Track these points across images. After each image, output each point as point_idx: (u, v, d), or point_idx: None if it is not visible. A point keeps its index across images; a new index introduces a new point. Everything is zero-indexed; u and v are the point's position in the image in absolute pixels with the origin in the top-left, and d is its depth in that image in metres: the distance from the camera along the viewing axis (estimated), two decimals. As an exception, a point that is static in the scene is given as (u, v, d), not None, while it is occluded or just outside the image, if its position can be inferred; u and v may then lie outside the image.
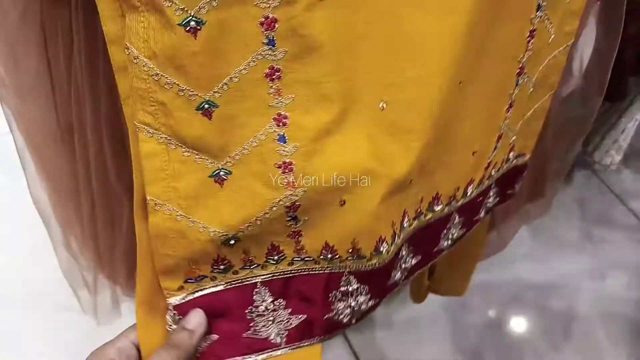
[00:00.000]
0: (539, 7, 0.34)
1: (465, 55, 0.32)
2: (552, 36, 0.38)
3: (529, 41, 0.36)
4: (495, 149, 0.41)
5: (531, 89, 0.40)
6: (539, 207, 0.62)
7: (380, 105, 0.31)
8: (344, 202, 0.33)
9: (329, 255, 0.35)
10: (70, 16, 0.32)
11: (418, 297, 0.67)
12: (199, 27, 0.25)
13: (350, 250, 0.35)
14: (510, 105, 0.39)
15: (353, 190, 0.33)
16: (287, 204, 0.31)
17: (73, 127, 0.38)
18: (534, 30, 0.35)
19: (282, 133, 0.30)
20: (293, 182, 0.31)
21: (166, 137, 0.28)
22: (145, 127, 0.28)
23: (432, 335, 0.79)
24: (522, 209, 0.60)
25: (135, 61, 0.25)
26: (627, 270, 0.89)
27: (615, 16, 0.45)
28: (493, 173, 0.44)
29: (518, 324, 0.82)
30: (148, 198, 0.29)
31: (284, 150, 0.30)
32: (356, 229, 0.34)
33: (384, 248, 0.35)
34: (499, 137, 0.41)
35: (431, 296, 0.81)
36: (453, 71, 0.32)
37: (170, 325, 0.33)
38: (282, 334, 0.37)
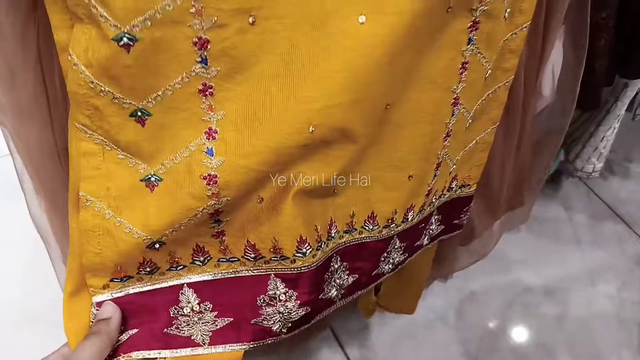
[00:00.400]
0: (469, 41, 0.35)
1: (391, 80, 0.33)
2: (489, 71, 0.39)
3: (462, 73, 0.37)
4: (435, 176, 0.42)
5: (470, 121, 0.41)
6: (519, 215, 0.63)
7: (310, 128, 0.32)
8: (262, 200, 0.34)
9: (252, 255, 0.35)
10: None
11: (366, 312, 0.68)
12: (131, 43, 0.26)
13: (272, 250, 0.35)
14: (448, 135, 0.40)
15: (268, 187, 0.33)
16: (211, 211, 0.32)
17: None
18: (466, 62, 0.36)
19: (210, 146, 0.31)
20: (217, 193, 0.32)
21: (102, 139, 0.30)
22: (84, 128, 0.29)
23: (428, 343, 0.80)
24: (503, 217, 0.62)
25: (74, 67, 0.27)
26: (617, 274, 0.90)
27: (581, 34, 0.47)
28: (434, 200, 0.44)
29: (513, 331, 0.82)
30: (81, 194, 0.31)
31: (210, 163, 0.31)
32: (274, 226, 0.35)
33: (307, 250, 0.36)
34: (438, 165, 0.41)
35: (427, 303, 0.82)
36: (379, 96, 0.33)
37: (92, 321, 0.34)
38: (206, 334, 0.37)
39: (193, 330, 0.37)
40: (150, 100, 0.29)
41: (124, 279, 0.34)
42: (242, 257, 0.36)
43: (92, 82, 0.27)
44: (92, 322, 0.34)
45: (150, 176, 0.31)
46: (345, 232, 0.40)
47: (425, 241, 0.48)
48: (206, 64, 0.28)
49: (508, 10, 0.36)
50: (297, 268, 0.36)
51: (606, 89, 0.69)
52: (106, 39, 0.26)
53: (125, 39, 0.26)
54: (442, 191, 0.45)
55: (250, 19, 0.28)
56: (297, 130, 0.31)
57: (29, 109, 0.36)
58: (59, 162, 0.40)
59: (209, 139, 0.31)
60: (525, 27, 0.38)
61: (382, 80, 0.32)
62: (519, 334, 0.82)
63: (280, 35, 0.29)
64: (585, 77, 0.52)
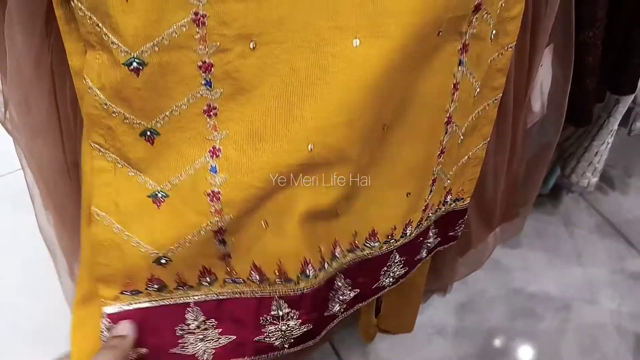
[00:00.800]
0: (460, 63, 0.37)
1: (387, 102, 0.34)
2: (478, 90, 0.40)
3: (454, 93, 0.38)
4: (430, 192, 0.43)
5: (461, 137, 0.42)
6: (513, 227, 0.64)
7: (309, 147, 0.33)
8: (267, 224, 0.35)
9: (258, 277, 0.36)
10: None
11: (367, 337, 0.68)
12: (141, 67, 0.28)
13: (277, 272, 0.36)
14: (442, 152, 0.41)
15: (273, 210, 0.34)
16: (215, 228, 0.33)
17: (79, 163, 0.40)
18: (457, 83, 0.38)
19: (214, 164, 0.32)
20: (220, 210, 0.32)
21: (114, 157, 0.31)
22: (98, 146, 0.31)
23: (427, 356, 0.80)
24: (498, 228, 0.63)
25: (89, 90, 0.29)
26: (617, 289, 0.90)
27: (566, 52, 0.48)
28: (431, 215, 0.45)
29: (514, 345, 0.82)
30: (92, 209, 0.32)
31: (213, 180, 0.32)
32: (279, 248, 0.35)
33: (310, 272, 0.36)
34: (434, 181, 0.42)
35: (426, 317, 0.82)
36: (375, 116, 0.34)
37: (103, 332, 0.34)
38: (210, 352, 0.38)
39: (198, 348, 0.37)
40: (158, 120, 0.31)
41: (134, 292, 0.35)
42: (248, 278, 0.37)
43: (105, 104, 0.29)
44: (102, 332, 0.34)
45: (157, 192, 0.33)
46: (349, 251, 0.41)
47: (424, 254, 0.49)
48: (210, 86, 0.30)
49: (494, 32, 0.38)
50: (300, 289, 0.37)
51: (598, 105, 0.70)
52: (117, 64, 0.28)
53: (135, 64, 0.28)
54: (438, 205, 0.46)
55: (252, 44, 0.30)
56: (297, 149, 0.33)
57: (42, 130, 0.37)
58: (68, 178, 0.41)
59: (213, 157, 0.32)
60: (511, 47, 0.40)
61: (377, 102, 0.33)
62: (520, 348, 0.82)
63: (280, 58, 0.31)
64: (576, 94, 0.53)
